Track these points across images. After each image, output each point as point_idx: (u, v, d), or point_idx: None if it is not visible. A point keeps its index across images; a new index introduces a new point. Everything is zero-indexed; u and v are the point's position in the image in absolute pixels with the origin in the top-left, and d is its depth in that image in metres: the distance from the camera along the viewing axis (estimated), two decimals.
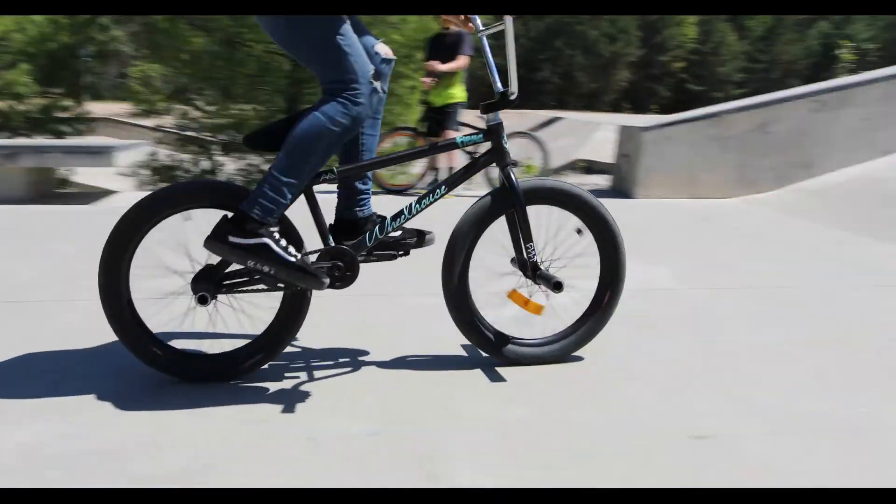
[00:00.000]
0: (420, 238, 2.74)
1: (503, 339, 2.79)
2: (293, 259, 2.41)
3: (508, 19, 2.55)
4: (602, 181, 9.59)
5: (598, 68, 44.68)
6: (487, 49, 2.72)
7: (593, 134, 17.92)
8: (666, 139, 7.40)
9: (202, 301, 2.46)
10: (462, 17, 2.71)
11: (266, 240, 2.39)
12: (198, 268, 2.53)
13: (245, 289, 2.52)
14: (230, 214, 2.42)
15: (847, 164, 7.46)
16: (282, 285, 2.47)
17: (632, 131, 7.72)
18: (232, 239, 2.38)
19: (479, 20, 2.73)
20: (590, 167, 15.24)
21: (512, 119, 26.81)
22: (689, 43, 46.49)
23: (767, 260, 4.80)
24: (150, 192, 2.52)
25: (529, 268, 2.71)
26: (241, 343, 2.66)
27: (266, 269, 2.39)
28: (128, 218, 2.44)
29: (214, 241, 2.39)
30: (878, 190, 6.89)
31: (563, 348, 2.83)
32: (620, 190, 7.79)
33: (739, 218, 6.47)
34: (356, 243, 2.60)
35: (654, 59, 45.94)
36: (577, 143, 17.87)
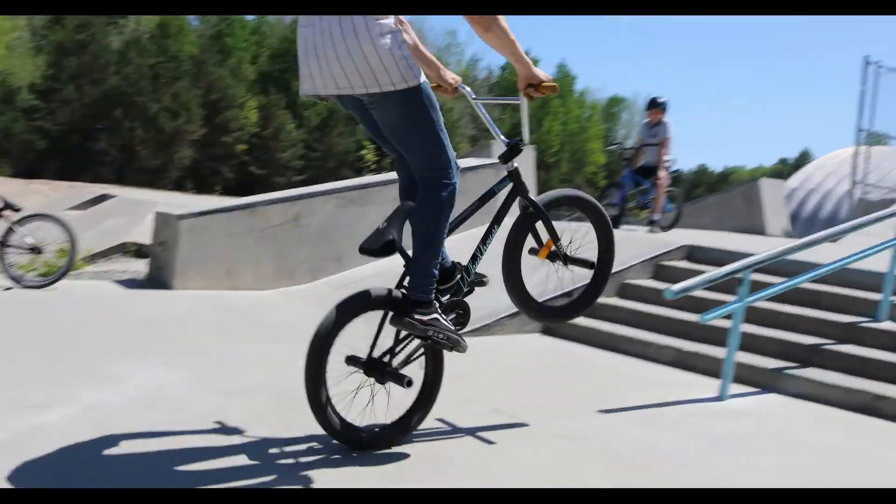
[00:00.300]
0: (483, 277, 3.55)
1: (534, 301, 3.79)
2: (454, 326, 3.23)
3: (524, 100, 3.35)
4: (145, 267, 9.14)
5: (160, 143, 43.48)
6: (483, 112, 3.50)
7: (148, 214, 17.16)
8: (203, 228, 7.31)
9: (379, 381, 3.20)
10: (452, 87, 3.53)
11: (437, 315, 3.13)
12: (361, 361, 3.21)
13: (404, 362, 3.29)
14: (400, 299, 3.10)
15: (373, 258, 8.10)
16: (447, 348, 3.21)
17: (168, 218, 7.48)
18: (417, 317, 3.06)
19: (468, 88, 3.53)
20: (140, 251, 14.54)
21: (61, 191, 24.64)
22: (250, 126, 47.72)
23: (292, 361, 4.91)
24: (333, 306, 3.08)
25: (561, 258, 3.70)
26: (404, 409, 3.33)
27: (440, 336, 3.13)
28: (323, 327, 3.04)
29: (401, 320, 3.07)
30: None
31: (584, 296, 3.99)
32: (158, 280, 7.47)
33: (272, 311, 6.60)
34: (457, 290, 3.35)
35: (218, 139, 46.21)
36: (128, 223, 16.92)
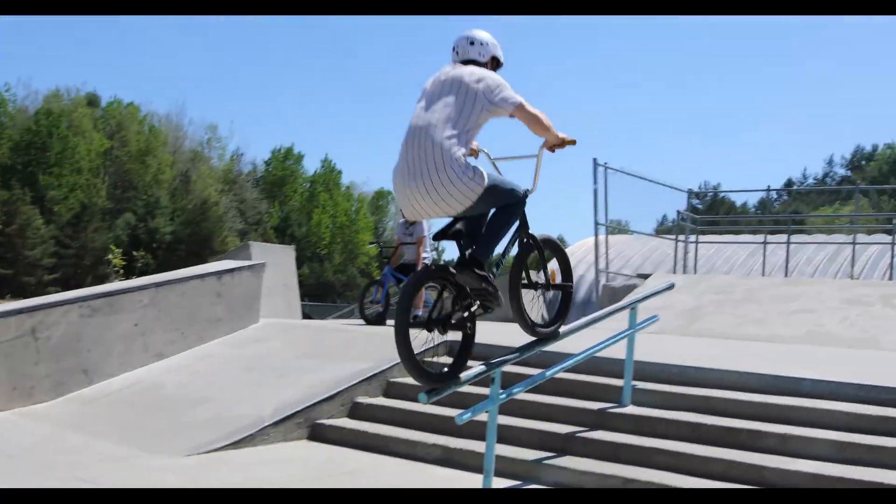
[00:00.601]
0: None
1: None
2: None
3: (541, 152, 4.65)
4: None
5: None
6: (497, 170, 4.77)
7: None
8: None
9: (442, 332, 4.42)
10: (474, 149, 4.58)
11: (488, 273, 4.33)
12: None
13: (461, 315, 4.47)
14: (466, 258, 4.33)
15: (125, 369, 7.53)
16: (490, 305, 4.45)
17: None
18: (476, 272, 4.26)
19: (486, 150, 4.77)
20: None
21: None
22: None
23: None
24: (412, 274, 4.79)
25: (544, 284, 4.99)
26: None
27: (490, 289, 4.32)
28: (406, 288, 4.43)
29: (464, 273, 4.29)
30: (153, 395, 7.06)
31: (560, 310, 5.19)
32: None
33: (6, 436, 5.86)
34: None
35: None
36: None
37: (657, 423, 5.61)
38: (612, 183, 13.54)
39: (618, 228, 17.03)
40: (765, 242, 17.59)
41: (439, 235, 4.50)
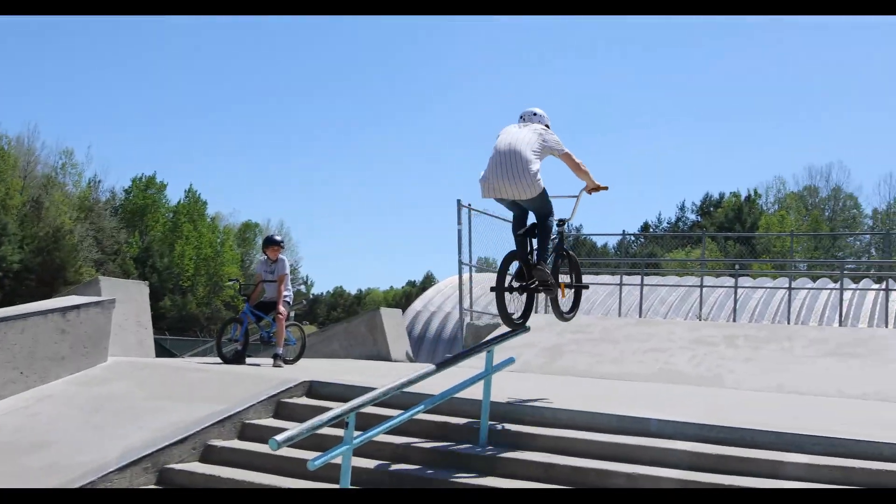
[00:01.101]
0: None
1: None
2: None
3: (581, 193, 6.85)
4: None
5: None
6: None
7: None
8: None
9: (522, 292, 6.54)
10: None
11: (548, 269, 6.47)
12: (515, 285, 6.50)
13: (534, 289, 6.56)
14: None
15: None
16: (551, 291, 6.59)
17: None
18: (540, 267, 6.37)
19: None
20: None
21: None
22: None
23: None
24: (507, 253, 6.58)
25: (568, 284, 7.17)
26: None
27: (551, 281, 6.42)
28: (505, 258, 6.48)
29: (538, 269, 6.38)
30: None
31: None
32: None
33: None
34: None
35: None
36: None
37: (512, 463, 5.68)
38: (479, 223, 13.79)
39: (485, 267, 17.33)
40: (620, 284, 18.32)
41: (523, 232, 6.58)
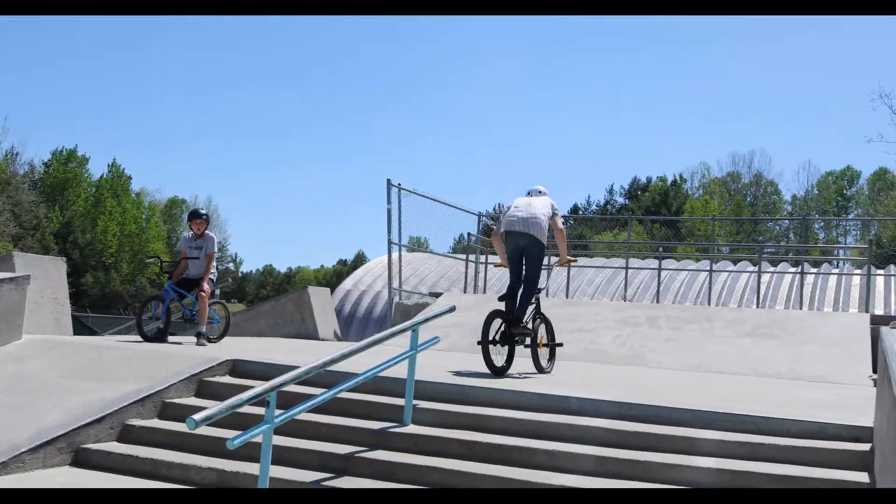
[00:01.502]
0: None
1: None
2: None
3: (554, 265, 10.49)
4: None
5: None
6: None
7: None
8: None
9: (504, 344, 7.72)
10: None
11: (530, 323, 8.03)
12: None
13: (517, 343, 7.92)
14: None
15: None
16: (526, 339, 7.98)
17: None
18: (525, 326, 7.83)
19: None
20: None
21: None
22: None
23: None
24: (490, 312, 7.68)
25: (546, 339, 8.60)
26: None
27: (526, 331, 7.87)
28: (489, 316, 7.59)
29: (517, 327, 7.70)
30: None
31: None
32: None
33: None
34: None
35: None
36: None
37: (435, 441, 5.73)
38: (409, 203, 13.76)
39: (415, 247, 17.32)
40: (549, 266, 18.58)
41: (509, 298, 7.77)
